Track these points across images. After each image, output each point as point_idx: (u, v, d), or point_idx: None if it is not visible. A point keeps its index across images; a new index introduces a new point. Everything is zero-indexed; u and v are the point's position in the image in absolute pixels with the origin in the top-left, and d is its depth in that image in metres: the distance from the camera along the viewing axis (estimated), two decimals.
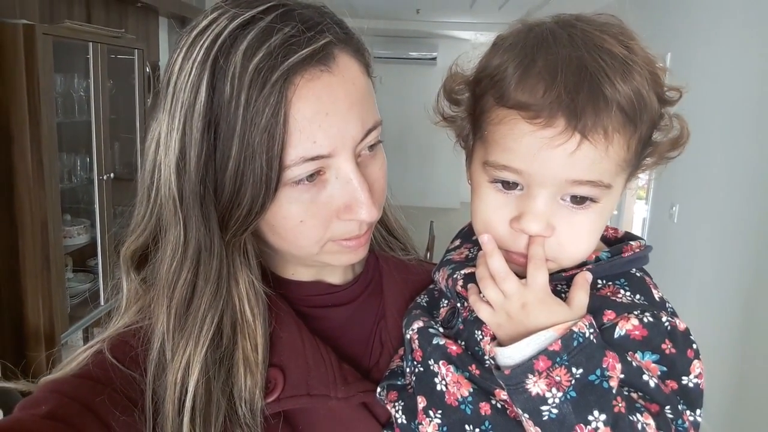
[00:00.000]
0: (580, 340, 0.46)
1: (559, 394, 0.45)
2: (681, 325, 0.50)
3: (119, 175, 2.80)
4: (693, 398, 0.50)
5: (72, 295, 2.58)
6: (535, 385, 0.46)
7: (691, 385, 0.50)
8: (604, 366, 0.46)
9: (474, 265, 0.58)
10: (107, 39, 2.63)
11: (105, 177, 2.66)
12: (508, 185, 0.52)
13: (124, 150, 2.94)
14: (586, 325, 0.47)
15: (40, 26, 2.15)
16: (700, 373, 0.50)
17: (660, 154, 0.54)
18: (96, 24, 2.72)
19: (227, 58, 0.49)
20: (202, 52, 0.50)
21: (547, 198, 0.50)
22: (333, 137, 0.52)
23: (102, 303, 2.72)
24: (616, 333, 0.49)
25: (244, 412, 0.55)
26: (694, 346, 0.50)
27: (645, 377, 0.48)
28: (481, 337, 0.55)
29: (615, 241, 0.60)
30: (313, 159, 0.52)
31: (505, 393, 0.51)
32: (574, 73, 0.47)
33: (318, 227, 0.55)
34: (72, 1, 2.69)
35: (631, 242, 0.57)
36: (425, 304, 0.66)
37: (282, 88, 0.49)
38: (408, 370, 0.60)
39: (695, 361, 0.50)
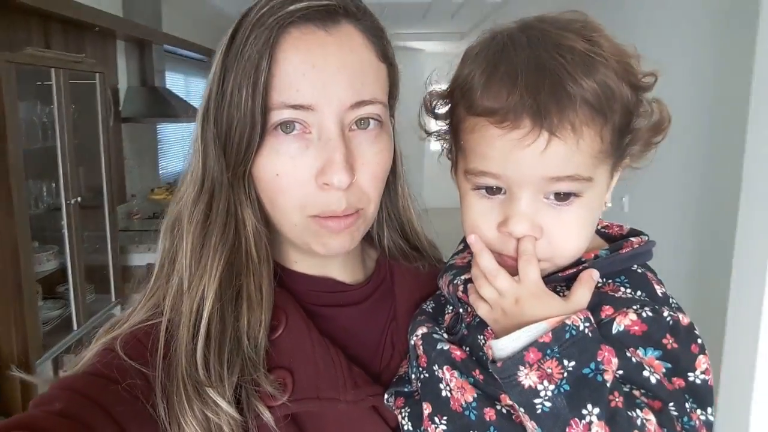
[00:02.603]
0: (573, 332, 0.45)
1: (551, 387, 0.45)
2: (684, 320, 0.49)
3: (85, 200, 2.81)
4: (702, 395, 0.48)
5: (43, 322, 2.57)
6: (527, 378, 0.45)
7: (698, 381, 0.48)
8: (598, 359, 0.45)
9: None
10: (69, 64, 2.65)
11: (72, 202, 2.67)
12: (492, 190, 0.53)
13: (89, 175, 2.94)
14: (581, 319, 0.46)
15: (2, 54, 2.17)
16: (706, 369, 0.48)
17: (643, 140, 0.54)
18: (56, 50, 2.74)
19: (249, 14, 0.56)
20: (239, 17, 0.57)
21: (530, 198, 0.50)
22: (317, 91, 0.54)
23: (75, 328, 2.72)
24: (614, 328, 0.48)
25: (247, 345, 0.57)
26: (699, 341, 0.49)
27: (645, 373, 0.47)
28: (484, 341, 0.55)
29: (620, 238, 0.59)
30: (294, 107, 0.54)
31: None
32: (533, 73, 0.47)
33: (293, 187, 0.56)
34: (30, 28, 2.69)
35: (632, 238, 0.56)
36: (431, 310, 0.66)
37: (274, 30, 0.53)
38: (413, 376, 0.60)
39: (700, 357, 0.48)
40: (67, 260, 2.68)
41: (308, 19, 0.54)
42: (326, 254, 0.60)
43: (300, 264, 0.66)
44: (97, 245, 3.05)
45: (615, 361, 0.46)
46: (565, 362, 0.45)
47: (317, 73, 0.54)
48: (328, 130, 0.55)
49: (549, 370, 0.45)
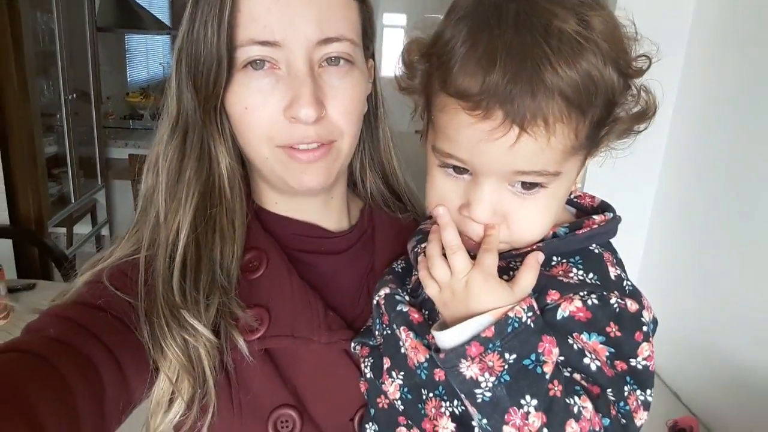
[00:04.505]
0: (515, 325, 0.45)
1: (492, 379, 0.45)
2: (632, 307, 0.49)
3: (74, 99, 3.36)
4: (642, 379, 0.49)
5: None
6: (468, 369, 0.46)
7: (639, 366, 0.49)
8: (539, 351, 0.46)
9: None
10: None
11: (70, 97, 3.24)
12: (458, 170, 0.51)
13: (75, 77, 3.47)
14: (524, 309, 0.46)
15: None
16: (649, 356, 0.49)
17: (623, 129, 0.50)
18: None
19: None
20: None
21: (494, 186, 0.49)
22: (283, 27, 0.54)
23: (72, 201, 3.41)
24: (558, 314, 0.48)
25: (220, 274, 0.59)
26: (644, 328, 0.49)
27: (586, 360, 0.48)
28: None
29: (591, 211, 0.58)
30: (261, 44, 0.54)
31: None
32: (513, 60, 0.43)
33: (262, 120, 0.57)
34: None
35: (595, 216, 0.55)
36: (400, 270, 0.66)
37: None
38: (377, 332, 0.62)
39: (644, 344, 0.49)
40: (67, 146, 3.29)
41: None
42: (301, 190, 0.61)
43: (281, 205, 0.67)
44: (85, 137, 3.63)
45: (555, 351, 0.47)
46: (507, 355, 0.45)
47: (282, 9, 0.54)
48: (296, 67, 0.55)
49: (490, 363, 0.45)
